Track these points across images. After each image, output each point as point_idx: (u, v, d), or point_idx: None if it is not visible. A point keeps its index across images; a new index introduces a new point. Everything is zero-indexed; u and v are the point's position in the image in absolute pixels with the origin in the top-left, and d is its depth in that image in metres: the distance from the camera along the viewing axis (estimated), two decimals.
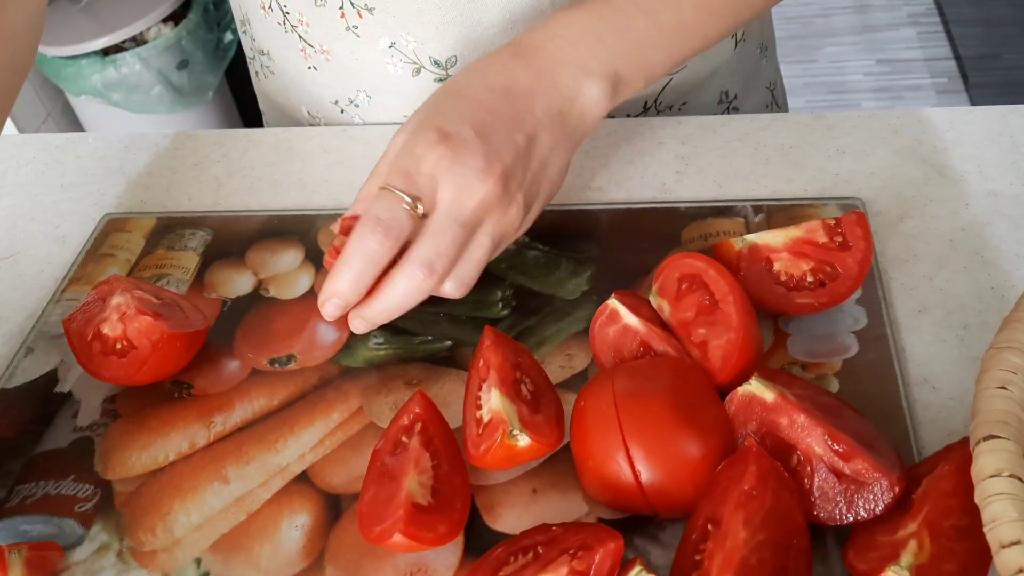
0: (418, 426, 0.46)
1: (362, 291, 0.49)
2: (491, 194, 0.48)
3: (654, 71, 0.53)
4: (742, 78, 0.73)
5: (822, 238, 0.49)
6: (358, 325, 0.51)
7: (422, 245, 0.48)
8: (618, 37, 0.51)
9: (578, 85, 0.50)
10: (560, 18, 0.52)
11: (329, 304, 0.50)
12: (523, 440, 0.43)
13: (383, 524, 0.42)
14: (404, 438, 0.45)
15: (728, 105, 0.73)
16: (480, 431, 0.45)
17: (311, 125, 0.74)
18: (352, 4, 0.63)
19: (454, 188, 0.47)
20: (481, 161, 0.47)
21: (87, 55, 1.57)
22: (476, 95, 0.50)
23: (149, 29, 1.60)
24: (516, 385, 0.45)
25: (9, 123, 1.57)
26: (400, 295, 0.49)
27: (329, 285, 0.49)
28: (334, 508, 0.46)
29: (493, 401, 0.44)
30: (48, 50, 1.57)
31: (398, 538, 0.41)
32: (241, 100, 1.85)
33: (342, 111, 0.71)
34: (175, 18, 1.63)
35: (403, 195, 0.47)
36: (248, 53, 0.77)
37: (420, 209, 0.48)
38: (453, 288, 0.50)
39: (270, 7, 0.68)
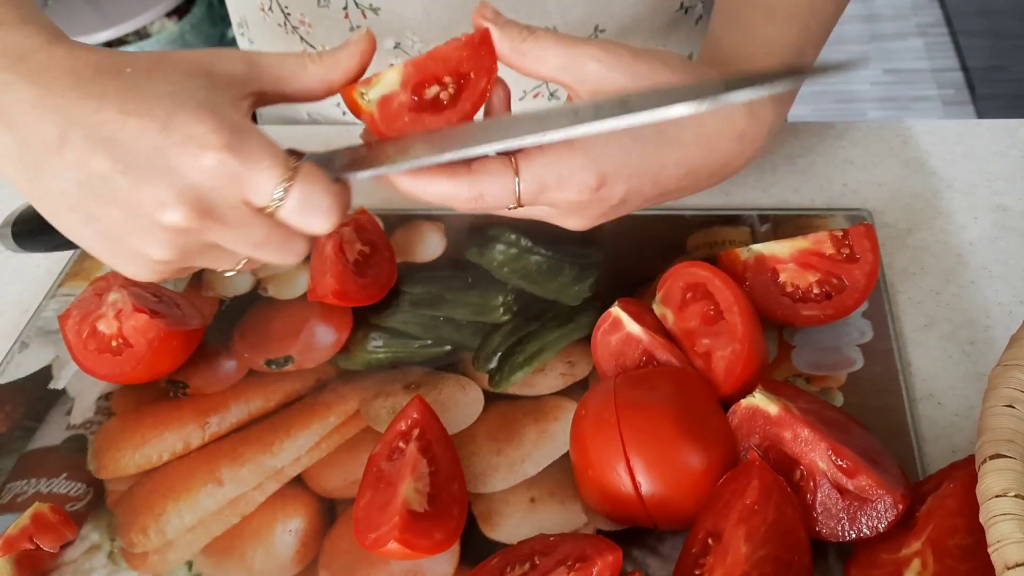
0: (416, 432, 0.45)
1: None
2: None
3: None
4: None
5: (829, 250, 0.49)
6: (368, 173, 0.42)
7: (495, 194, 0.43)
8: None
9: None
10: (767, 46, 0.49)
11: (364, 174, 0.42)
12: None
13: (378, 531, 0.41)
14: (401, 444, 0.45)
15: None
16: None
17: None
18: (356, 4, 0.62)
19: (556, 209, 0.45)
20: (595, 215, 0.46)
21: None
22: (670, 176, 0.45)
23: (153, 23, 1.60)
24: None
25: None
26: (443, 200, 0.43)
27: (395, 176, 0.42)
28: (329, 513, 0.46)
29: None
30: None
31: (393, 545, 0.40)
32: None
33: (344, 113, 0.70)
34: (179, 12, 1.63)
35: (519, 198, 0.43)
36: None
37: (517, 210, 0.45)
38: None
39: (270, 8, 0.67)
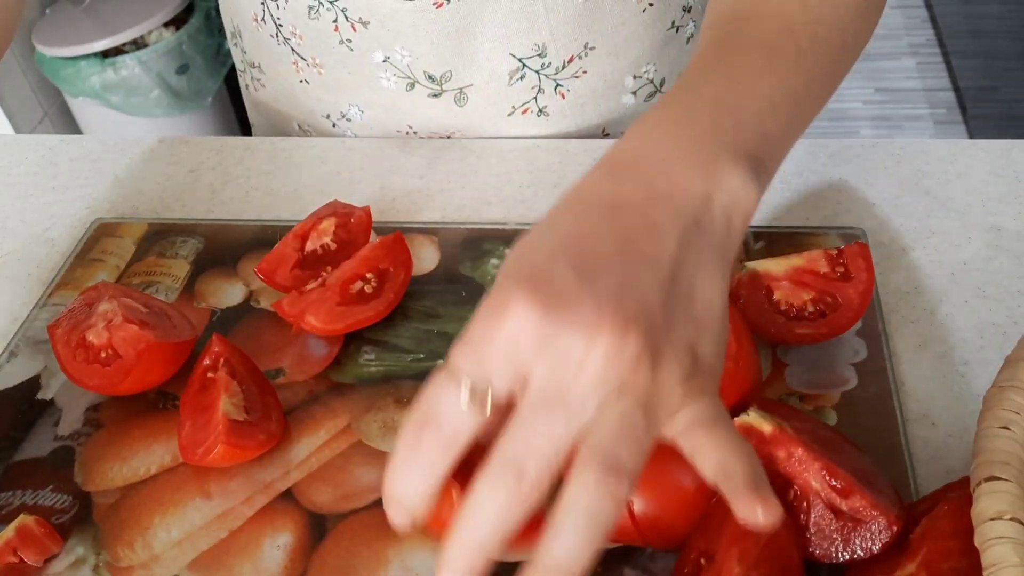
0: (221, 361, 0.49)
1: (425, 500, 0.33)
2: (612, 355, 0.31)
3: (778, 146, 0.40)
4: None
5: (824, 268, 0.49)
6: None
7: (504, 441, 0.32)
8: (731, 115, 0.38)
9: (710, 178, 0.35)
10: (648, 118, 0.38)
11: (392, 511, 0.34)
12: None
13: (205, 443, 0.45)
14: (210, 375, 0.49)
15: None
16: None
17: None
18: (346, 17, 0.62)
19: (550, 360, 0.32)
20: (589, 313, 0.31)
21: (87, 56, 1.56)
22: (570, 217, 0.35)
23: (150, 32, 1.60)
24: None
25: (5, 123, 1.56)
26: (490, 513, 0.31)
27: (386, 486, 0.34)
28: (318, 528, 0.45)
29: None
30: (48, 50, 1.57)
31: (220, 449, 0.44)
32: (240, 107, 1.85)
33: (334, 125, 0.70)
34: (177, 22, 1.63)
35: (463, 388, 0.32)
36: (239, 66, 0.77)
37: (488, 401, 0.32)
38: (599, 481, 0.30)
39: (263, 19, 0.67)
